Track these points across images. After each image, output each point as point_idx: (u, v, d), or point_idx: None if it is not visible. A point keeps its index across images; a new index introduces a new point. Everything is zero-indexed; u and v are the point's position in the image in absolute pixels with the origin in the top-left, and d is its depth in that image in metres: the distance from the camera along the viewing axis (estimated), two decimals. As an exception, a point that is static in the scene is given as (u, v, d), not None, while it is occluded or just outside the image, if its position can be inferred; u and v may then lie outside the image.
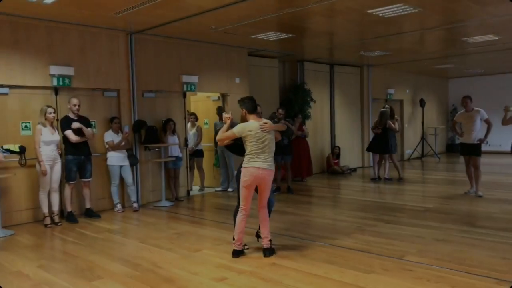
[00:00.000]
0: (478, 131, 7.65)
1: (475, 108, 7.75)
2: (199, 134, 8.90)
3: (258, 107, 4.90)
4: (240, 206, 4.64)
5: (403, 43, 9.59)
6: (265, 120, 4.66)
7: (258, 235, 5.02)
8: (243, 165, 4.61)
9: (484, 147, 7.82)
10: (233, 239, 4.72)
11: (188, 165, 8.65)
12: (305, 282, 3.87)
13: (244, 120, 4.69)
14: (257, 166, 4.51)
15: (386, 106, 10.33)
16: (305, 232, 5.64)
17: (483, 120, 7.67)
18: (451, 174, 11.15)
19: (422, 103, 14.44)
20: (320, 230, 5.67)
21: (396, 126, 9.87)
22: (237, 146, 4.77)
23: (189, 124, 8.84)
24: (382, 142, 9.83)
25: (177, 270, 4.27)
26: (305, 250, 4.79)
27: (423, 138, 14.68)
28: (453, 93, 17.15)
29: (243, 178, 4.58)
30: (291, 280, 3.91)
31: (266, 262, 4.44)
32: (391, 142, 9.73)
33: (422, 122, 14.65)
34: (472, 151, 7.67)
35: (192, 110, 9.54)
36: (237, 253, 4.60)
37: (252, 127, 4.53)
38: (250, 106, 4.64)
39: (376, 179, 9.95)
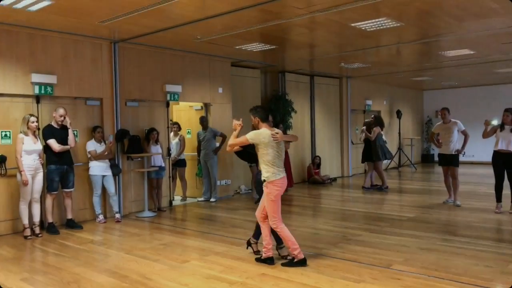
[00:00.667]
0: (455, 142, 7.88)
1: (453, 120, 7.98)
2: (182, 143, 8.87)
3: (270, 116, 4.92)
4: (276, 219, 4.58)
5: (382, 56, 9.83)
6: (276, 130, 4.71)
7: (249, 244, 5.10)
8: (269, 178, 4.54)
9: (459, 158, 8.04)
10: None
11: (171, 175, 8.59)
12: (296, 292, 3.89)
13: (255, 128, 4.75)
14: (283, 176, 4.61)
15: (372, 115, 10.56)
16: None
17: (460, 131, 7.91)
18: (428, 184, 11.41)
19: (398, 114, 14.78)
20: (306, 240, 5.70)
21: (372, 134, 10.01)
22: (247, 153, 4.86)
23: (171, 134, 8.79)
24: (364, 151, 10.16)
25: (167, 282, 4.23)
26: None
27: (400, 148, 14.99)
28: (428, 105, 17.62)
29: (275, 191, 4.55)
30: (283, 290, 3.93)
31: (256, 272, 4.44)
32: (373, 151, 9.88)
33: (399, 133, 14.98)
34: (451, 162, 7.88)
35: (175, 120, 9.50)
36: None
37: (265, 135, 4.58)
38: (263, 114, 4.71)
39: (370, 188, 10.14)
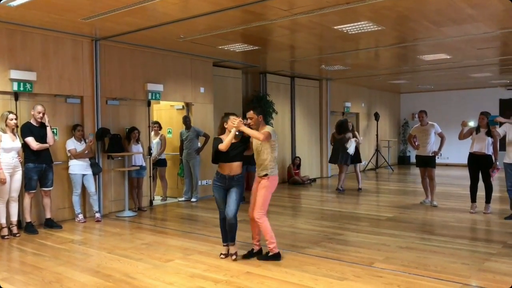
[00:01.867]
0: (432, 144, 8.09)
1: (430, 122, 8.19)
2: (163, 143, 8.82)
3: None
4: (263, 211, 4.77)
5: (362, 58, 10.00)
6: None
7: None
8: (272, 173, 4.77)
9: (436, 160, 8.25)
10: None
11: (151, 175, 8.53)
12: (281, 289, 3.94)
13: (257, 127, 4.76)
14: None
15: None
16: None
17: (437, 134, 8.12)
18: (404, 185, 11.65)
19: (376, 116, 15.04)
20: (289, 239, 5.77)
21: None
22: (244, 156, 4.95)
23: (152, 133, 8.73)
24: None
25: (151, 281, 4.22)
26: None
27: (377, 150, 15.25)
28: (404, 108, 17.98)
29: (275, 185, 4.83)
30: (267, 288, 3.97)
31: (240, 271, 4.47)
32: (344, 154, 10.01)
33: (377, 135, 15.24)
34: (427, 163, 8.08)
35: (156, 119, 9.44)
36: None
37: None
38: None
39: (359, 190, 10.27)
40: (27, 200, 6.26)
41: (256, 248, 4.94)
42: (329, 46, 8.51)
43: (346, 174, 10.29)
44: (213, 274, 4.38)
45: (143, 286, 4.07)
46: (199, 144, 8.92)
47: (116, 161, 7.79)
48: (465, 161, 7.41)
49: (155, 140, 8.81)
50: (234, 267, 4.58)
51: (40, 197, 6.54)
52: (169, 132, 9.60)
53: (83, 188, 7.05)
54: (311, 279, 4.20)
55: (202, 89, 9.37)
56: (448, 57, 9.56)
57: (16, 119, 6.02)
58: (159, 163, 8.87)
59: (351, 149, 9.93)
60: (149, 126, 8.47)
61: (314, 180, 12.18)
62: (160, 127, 8.95)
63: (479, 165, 7.22)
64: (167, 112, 9.72)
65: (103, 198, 7.57)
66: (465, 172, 7.52)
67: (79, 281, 4.24)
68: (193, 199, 8.95)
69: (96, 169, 7.20)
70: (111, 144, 7.51)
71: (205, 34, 7.22)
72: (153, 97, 8.35)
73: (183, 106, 9.35)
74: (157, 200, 8.99)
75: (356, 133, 10.71)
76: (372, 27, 6.82)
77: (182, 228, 6.65)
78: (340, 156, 10.00)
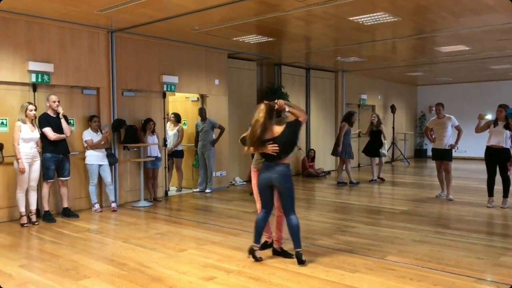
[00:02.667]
0: (449, 137, 7.98)
1: (447, 115, 8.07)
2: (180, 134, 8.89)
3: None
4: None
5: (378, 50, 9.89)
6: None
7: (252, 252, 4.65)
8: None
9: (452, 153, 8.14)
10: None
11: (166, 165, 8.62)
12: (293, 281, 3.96)
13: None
14: None
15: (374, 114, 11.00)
16: (286, 232, 5.69)
17: (454, 127, 8.00)
18: (421, 178, 11.54)
19: (393, 109, 14.87)
20: (302, 231, 5.72)
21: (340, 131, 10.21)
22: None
23: (170, 124, 8.82)
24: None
25: (165, 270, 4.28)
26: (289, 250, 4.87)
27: (393, 143, 15.11)
28: (421, 100, 17.75)
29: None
30: (279, 279, 4.00)
31: (252, 261, 4.49)
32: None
33: (393, 128, 15.08)
34: (444, 156, 7.98)
35: (171, 111, 9.51)
36: None
37: None
38: None
39: (374, 181, 10.41)
40: (45, 189, 6.39)
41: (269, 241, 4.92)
42: (344, 37, 8.43)
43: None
44: (225, 264, 4.43)
45: (156, 275, 4.14)
46: (214, 136, 8.97)
47: (132, 152, 7.88)
48: (483, 155, 7.30)
49: (173, 132, 8.89)
50: (247, 258, 4.60)
51: (58, 187, 6.67)
52: (184, 124, 9.64)
53: (100, 178, 7.16)
54: (323, 271, 4.21)
55: (216, 81, 9.39)
56: (467, 48, 9.39)
57: (35, 110, 6.13)
58: (176, 154, 8.96)
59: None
60: (164, 118, 8.54)
61: (328, 172, 12.14)
62: (178, 119, 9.04)
63: (496, 159, 7.11)
64: (182, 104, 9.77)
65: (119, 188, 7.68)
66: (483, 166, 7.41)
67: (95, 269, 4.32)
68: (207, 190, 9.02)
69: (112, 159, 7.30)
70: (127, 135, 7.59)
71: (219, 26, 7.23)
72: (168, 89, 8.41)
73: (198, 98, 9.39)
74: (172, 190, 9.09)
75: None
76: (388, 18, 6.74)
77: (196, 219, 6.72)
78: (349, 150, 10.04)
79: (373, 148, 10.54)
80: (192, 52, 8.86)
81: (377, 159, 10.68)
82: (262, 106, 4.35)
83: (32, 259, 4.72)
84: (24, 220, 6.10)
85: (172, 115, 9.00)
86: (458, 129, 7.98)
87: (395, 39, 8.65)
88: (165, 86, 8.33)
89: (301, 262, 4.34)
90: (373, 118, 10.59)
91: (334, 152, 10.22)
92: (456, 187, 8.97)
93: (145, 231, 5.88)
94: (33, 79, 6.52)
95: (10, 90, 6.42)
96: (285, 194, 4.45)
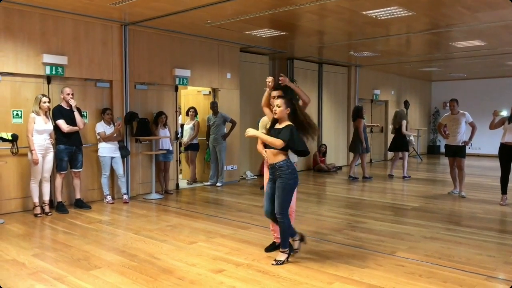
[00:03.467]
0: (463, 134, 7.88)
1: (461, 111, 7.97)
2: (196, 128, 8.94)
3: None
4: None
5: (392, 45, 9.79)
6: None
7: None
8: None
9: (466, 150, 8.04)
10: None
11: (178, 159, 8.67)
12: (301, 275, 3.97)
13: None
14: None
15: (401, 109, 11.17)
16: (296, 227, 5.68)
17: (468, 123, 7.90)
18: (433, 175, 11.43)
19: (406, 104, 14.71)
20: (311, 226, 5.78)
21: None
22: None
23: (180, 117, 8.87)
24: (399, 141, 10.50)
25: (174, 261, 4.32)
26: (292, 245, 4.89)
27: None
28: (435, 96, 17.54)
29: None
30: (288, 273, 4.01)
31: (261, 255, 4.51)
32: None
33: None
34: (457, 153, 7.90)
35: (183, 104, 9.56)
36: None
37: None
38: None
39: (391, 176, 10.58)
40: (58, 180, 6.48)
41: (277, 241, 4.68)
42: (358, 31, 8.36)
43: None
44: (234, 257, 4.45)
45: (166, 266, 4.18)
46: (226, 130, 8.99)
47: (144, 145, 7.95)
48: (497, 152, 7.20)
49: (189, 125, 8.94)
50: (256, 251, 4.63)
51: (71, 178, 6.76)
52: (196, 118, 9.68)
53: (112, 170, 7.23)
54: (332, 265, 4.21)
55: (228, 75, 9.39)
56: (483, 43, 9.25)
57: (49, 102, 6.21)
58: (191, 147, 9.03)
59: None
60: (176, 111, 8.58)
61: (340, 168, 12.10)
62: (196, 113, 9.08)
63: (510, 156, 7.00)
64: (194, 98, 9.80)
65: (131, 180, 7.76)
66: (497, 163, 7.31)
67: (106, 259, 4.38)
68: (218, 184, 9.06)
69: (124, 152, 7.36)
70: (139, 128, 7.65)
71: (232, 19, 7.22)
72: (181, 82, 8.44)
73: (209, 92, 9.41)
74: (183, 183, 9.14)
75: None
76: (402, 12, 6.66)
77: (207, 212, 6.75)
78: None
79: (394, 144, 10.71)
80: (204, 46, 8.87)
81: (400, 154, 10.72)
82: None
83: (45, 249, 4.80)
84: (38, 210, 6.20)
85: (192, 110, 9.08)
86: (472, 126, 7.88)
87: (409, 34, 8.55)
88: (177, 79, 8.36)
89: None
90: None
91: (356, 149, 10.15)
92: (469, 184, 8.88)
93: (156, 223, 5.93)
94: (48, 72, 6.60)
95: (25, 82, 6.50)
96: (278, 193, 4.27)
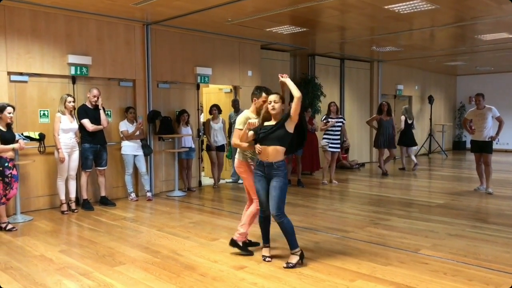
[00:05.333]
0: (489, 129, 7.69)
1: (487, 106, 7.78)
2: (223, 127, 8.71)
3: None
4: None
5: (415, 39, 9.62)
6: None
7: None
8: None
9: (493, 145, 7.85)
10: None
11: (200, 156, 8.73)
12: (323, 272, 3.96)
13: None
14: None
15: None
16: (318, 224, 5.72)
17: (495, 118, 7.71)
18: (459, 171, 11.20)
19: (430, 99, 14.47)
20: (333, 223, 5.76)
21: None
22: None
23: (206, 116, 8.84)
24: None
25: (197, 258, 4.37)
26: (320, 242, 4.88)
27: (430, 135, 14.71)
28: (461, 91, 17.15)
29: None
30: (310, 270, 4.00)
31: (284, 252, 4.50)
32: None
33: (430, 119, 14.68)
34: (484, 148, 7.72)
35: (204, 102, 9.60)
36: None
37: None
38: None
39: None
40: (83, 178, 6.63)
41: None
42: (380, 26, 8.25)
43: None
44: (256, 253, 4.46)
45: (188, 263, 4.23)
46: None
47: (166, 143, 8.04)
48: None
49: (217, 125, 8.60)
50: (278, 248, 4.62)
51: (96, 176, 6.90)
52: (218, 115, 9.74)
53: (135, 168, 7.34)
54: (354, 263, 4.18)
55: (250, 73, 9.41)
56: (510, 36, 8.99)
57: (74, 101, 6.35)
58: (219, 148, 8.68)
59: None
60: (198, 109, 8.64)
61: (362, 164, 11.98)
62: (219, 111, 8.70)
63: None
64: (215, 96, 9.85)
65: (154, 178, 7.87)
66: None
67: (130, 256, 4.46)
68: (240, 181, 9.08)
69: (147, 150, 7.46)
70: (162, 126, 7.74)
71: (253, 17, 7.22)
72: (202, 81, 8.50)
73: (231, 90, 9.45)
74: (205, 180, 9.19)
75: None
76: (426, 6, 6.54)
77: (229, 209, 6.79)
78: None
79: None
80: (225, 44, 8.91)
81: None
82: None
83: (71, 245, 4.92)
84: (64, 207, 6.35)
85: (215, 108, 8.60)
86: (499, 120, 7.68)
87: (433, 28, 8.39)
88: (199, 77, 8.42)
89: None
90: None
91: (377, 144, 10.23)
92: (496, 180, 8.66)
93: (179, 220, 6.01)
94: (73, 72, 6.75)
95: (51, 83, 6.67)
96: (274, 192, 4.16)
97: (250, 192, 4.58)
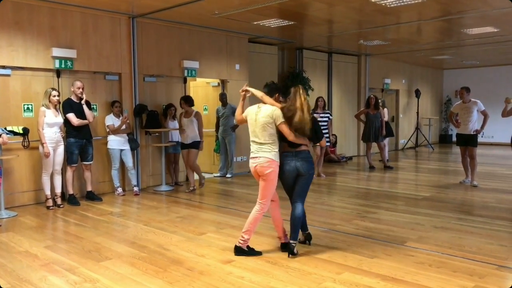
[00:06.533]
0: (474, 122, 7.77)
1: (472, 100, 7.86)
2: (199, 122, 8.53)
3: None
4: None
5: (402, 33, 9.66)
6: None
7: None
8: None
9: (478, 138, 7.94)
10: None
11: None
12: (310, 265, 3.97)
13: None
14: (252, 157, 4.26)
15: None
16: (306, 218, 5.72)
17: (480, 112, 7.78)
18: (445, 164, 11.32)
19: (417, 93, 14.57)
20: (321, 216, 5.78)
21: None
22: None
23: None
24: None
25: (184, 252, 4.35)
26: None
27: (417, 128, 14.84)
28: (447, 84, 17.31)
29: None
30: (297, 263, 4.01)
31: (271, 245, 4.52)
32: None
33: (417, 113, 14.80)
34: (469, 142, 7.80)
35: (192, 96, 9.49)
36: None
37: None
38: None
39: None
40: (69, 173, 6.55)
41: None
42: (367, 20, 8.26)
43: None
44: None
45: (175, 257, 4.21)
46: (235, 121, 8.97)
47: (153, 137, 7.98)
48: (510, 140, 7.10)
49: (187, 119, 8.00)
50: (266, 241, 4.64)
51: (82, 171, 6.82)
52: (205, 109, 9.70)
53: (122, 162, 7.28)
54: (341, 256, 4.20)
55: (237, 66, 9.37)
56: (496, 30, 9.08)
57: (58, 95, 6.25)
58: (185, 146, 7.83)
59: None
60: (185, 103, 8.57)
61: (350, 158, 12.04)
62: (189, 104, 7.60)
63: (524, 144, 6.91)
64: (203, 89, 9.80)
65: (141, 172, 7.81)
66: (510, 152, 7.21)
67: (116, 251, 4.43)
68: (228, 175, 9.07)
69: (134, 144, 7.40)
70: (149, 120, 7.68)
71: (240, 10, 7.17)
72: (189, 74, 8.44)
73: (218, 83, 9.40)
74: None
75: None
76: (412, -1, 6.55)
77: (216, 203, 6.78)
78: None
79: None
80: (212, 37, 8.85)
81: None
82: (301, 90, 4.17)
83: (57, 241, 4.87)
84: (50, 203, 6.28)
85: (183, 101, 7.61)
86: (484, 114, 7.76)
87: (420, 21, 8.43)
88: (186, 71, 8.36)
89: (293, 253, 4.14)
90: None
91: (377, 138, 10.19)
92: (482, 173, 8.78)
93: (166, 215, 5.98)
94: (57, 65, 6.64)
95: (35, 76, 6.56)
96: (308, 181, 4.27)
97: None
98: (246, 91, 4.43)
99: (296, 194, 4.25)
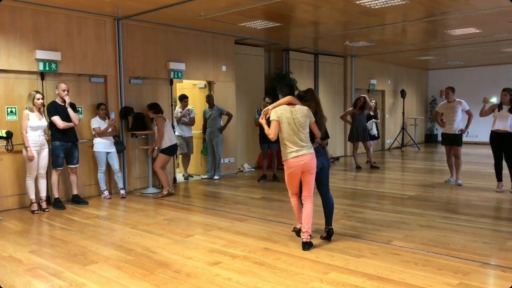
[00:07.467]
0: (459, 122, 7.88)
1: (457, 99, 7.96)
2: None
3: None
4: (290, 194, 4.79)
5: (387, 34, 9.76)
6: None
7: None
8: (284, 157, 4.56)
9: (463, 138, 8.05)
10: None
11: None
12: (297, 265, 3.98)
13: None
14: (296, 155, 4.49)
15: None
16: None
17: (464, 111, 7.89)
18: (430, 163, 11.45)
19: (403, 94, 14.72)
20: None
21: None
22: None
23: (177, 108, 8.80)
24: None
25: (171, 255, 4.33)
26: (294, 235, 4.91)
27: (403, 128, 14.98)
28: (432, 85, 17.52)
29: (286, 170, 4.59)
30: (284, 264, 4.02)
31: (258, 246, 4.53)
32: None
33: (403, 113, 14.95)
34: (454, 141, 7.90)
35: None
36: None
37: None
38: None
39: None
40: (54, 176, 6.48)
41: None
42: (353, 21, 8.33)
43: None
44: (231, 249, 4.46)
45: (162, 260, 4.19)
46: (222, 123, 8.97)
47: (139, 139, 7.94)
48: (489, 140, 7.23)
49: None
50: (253, 243, 4.64)
51: (67, 174, 6.75)
52: (192, 111, 9.65)
53: (108, 165, 7.22)
54: (328, 255, 4.22)
55: (224, 68, 9.36)
56: (478, 31, 9.22)
57: (42, 98, 6.18)
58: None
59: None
60: (171, 105, 8.55)
61: (337, 158, 12.11)
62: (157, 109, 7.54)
63: (502, 144, 7.02)
64: (190, 91, 9.75)
65: (127, 175, 7.76)
66: (492, 151, 7.33)
67: (102, 254, 4.39)
68: (215, 177, 9.06)
69: (120, 147, 7.35)
70: (135, 122, 7.64)
71: (225, 11, 7.17)
72: (175, 76, 8.41)
73: (205, 85, 9.38)
74: (180, 177, 9.14)
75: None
76: (396, 1, 6.64)
77: (204, 205, 6.77)
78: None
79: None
80: (198, 39, 8.83)
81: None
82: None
83: (42, 245, 4.81)
84: (35, 207, 6.20)
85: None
86: (469, 114, 7.86)
87: (404, 23, 8.52)
88: (172, 73, 8.33)
89: (329, 239, 4.65)
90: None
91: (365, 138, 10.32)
92: (466, 172, 8.90)
93: (153, 217, 5.95)
94: (41, 68, 6.57)
95: (18, 79, 6.48)
96: (327, 175, 4.80)
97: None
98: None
99: (325, 186, 4.82)
